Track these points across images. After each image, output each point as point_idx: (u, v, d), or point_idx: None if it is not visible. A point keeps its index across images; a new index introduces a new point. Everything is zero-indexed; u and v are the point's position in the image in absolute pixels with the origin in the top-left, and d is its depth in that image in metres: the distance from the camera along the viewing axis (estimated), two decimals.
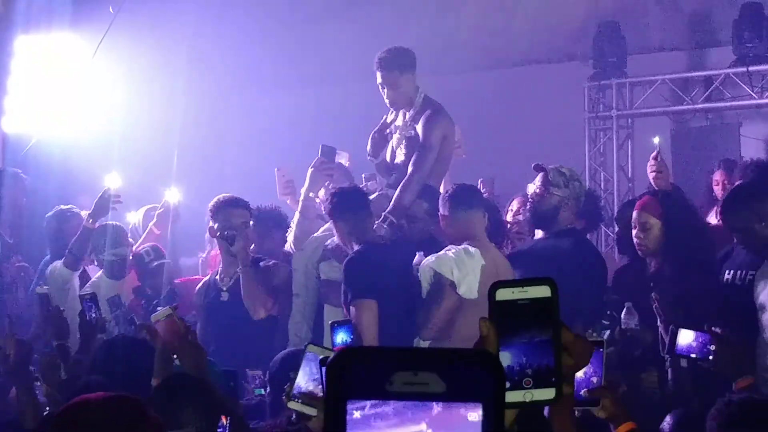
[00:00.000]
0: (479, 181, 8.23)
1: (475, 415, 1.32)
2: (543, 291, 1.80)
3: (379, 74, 7.75)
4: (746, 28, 12.22)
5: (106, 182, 8.45)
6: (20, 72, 10.87)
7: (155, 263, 8.38)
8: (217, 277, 7.50)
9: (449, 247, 6.68)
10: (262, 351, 6.75)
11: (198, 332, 6.48)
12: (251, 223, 7.44)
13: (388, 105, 7.84)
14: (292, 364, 4.38)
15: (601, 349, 3.78)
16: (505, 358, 1.78)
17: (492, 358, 1.36)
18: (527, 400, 1.79)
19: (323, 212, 7.29)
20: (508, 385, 1.76)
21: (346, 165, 8.61)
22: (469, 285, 6.53)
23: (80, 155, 10.78)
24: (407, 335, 6.58)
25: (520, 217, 7.79)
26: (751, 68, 12.19)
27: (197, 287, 7.74)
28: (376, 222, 7.28)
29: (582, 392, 3.71)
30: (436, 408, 1.31)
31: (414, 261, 6.68)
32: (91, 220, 8.33)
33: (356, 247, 6.83)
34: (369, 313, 6.53)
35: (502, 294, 1.80)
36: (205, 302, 7.51)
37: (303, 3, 12.98)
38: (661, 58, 13.22)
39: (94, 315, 6.69)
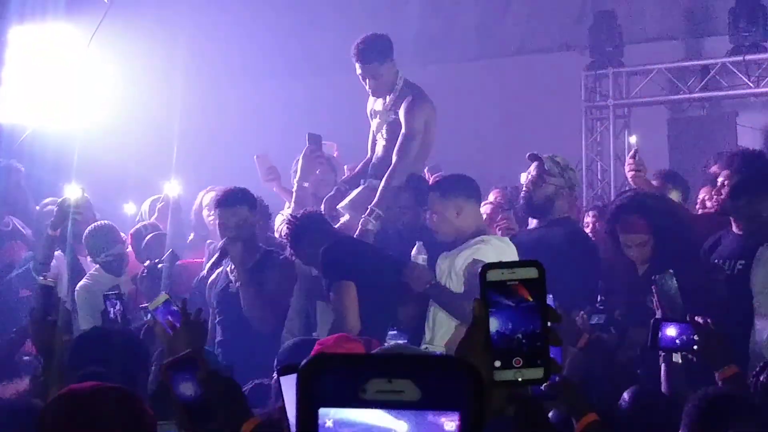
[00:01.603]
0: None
1: (451, 424, 1.32)
2: (531, 272, 1.86)
3: (358, 66, 7.64)
4: (742, 17, 12.23)
5: (66, 192, 8.40)
6: (15, 62, 10.83)
7: (152, 234, 8.39)
8: (228, 268, 7.32)
9: (480, 239, 6.41)
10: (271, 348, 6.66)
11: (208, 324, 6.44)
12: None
13: (371, 94, 7.79)
14: (302, 352, 4.36)
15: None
16: (494, 324, 1.85)
17: (469, 365, 1.36)
18: (518, 379, 1.84)
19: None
20: (498, 364, 1.83)
21: (335, 155, 8.59)
22: None
23: (75, 146, 10.77)
24: (385, 322, 6.46)
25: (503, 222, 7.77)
26: (747, 57, 12.20)
27: (210, 279, 7.59)
28: (363, 216, 7.26)
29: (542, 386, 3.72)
30: (412, 416, 1.31)
31: (413, 252, 6.46)
32: (51, 230, 8.29)
33: None
34: (347, 294, 6.46)
35: (493, 275, 1.86)
36: (215, 292, 7.35)
37: None
38: (658, 47, 13.21)
39: (119, 312, 6.64)
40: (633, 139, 7.19)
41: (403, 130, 7.53)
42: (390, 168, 7.45)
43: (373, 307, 6.48)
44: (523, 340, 1.84)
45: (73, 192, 8.39)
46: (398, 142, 7.51)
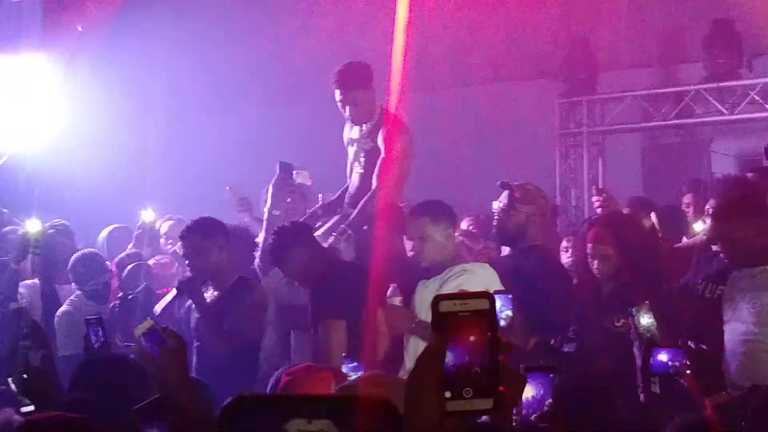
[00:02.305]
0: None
1: None
2: (482, 304, 1.87)
3: (338, 92, 7.68)
4: (716, 44, 12.27)
5: (27, 226, 8.38)
6: None
7: (130, 266, 8.40)
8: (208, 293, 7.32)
9: (463, 268, 6.40)
10: (241, 375, 6.65)
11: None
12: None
13: (350, 121, 7.80)
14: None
15: (551, 375, 3.81)
16: (449, 359, 1.86)
17: (387, 404, 1.38)
18: (467, 409, 1.85)
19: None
20: (449, 395, 1.84)
21: (308, 184, 8.59)
22: None
23: (50, 173, 10.77)
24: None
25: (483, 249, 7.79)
26: (721, 84, 12.24)
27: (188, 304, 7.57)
28: (333, 235, 7.25)
29: (532, 417, 3.74)
30: None
31: (388, 294, 6.39)
32: (14, 264, 8.27)
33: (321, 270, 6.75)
34: (337, 333, 6.44)
35: (445, 306, 1.87)
36: (193, 317, 7.32)
37: (269, 22, 12.96)
38: (632, 74, 13.27)
39: (101, 338, 6.62)
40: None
41: (382, 155, 7.54)
42: (369, 192, 7.45)
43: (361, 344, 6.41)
44: (474, 371, 1.85)
45: (33, 226, 8.42)
46: (377, 167, 7.52)
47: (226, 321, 7.00)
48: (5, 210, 9.83)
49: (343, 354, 5.84)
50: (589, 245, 6.60)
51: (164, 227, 9.14)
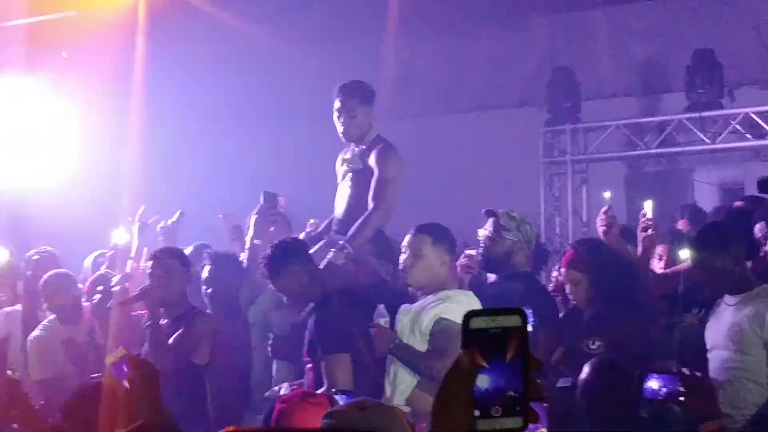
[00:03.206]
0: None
1: None
2: (514, 320, 1.83)
3: (337, 101, 7.63)
4: (699, 75, 12.31)
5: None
6: None
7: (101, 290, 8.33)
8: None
9: (444, 295, 6.30)
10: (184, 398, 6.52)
11: None
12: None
13: (341, 135, 7.72)
14: None
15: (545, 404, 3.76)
16: (482, 381, 1.82)
17: None
18: (496, 428, 1.81)
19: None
20: (478, 413, 1.81)
21: (283, 209, 8.53)
22: None
23: (32, 199, 10.73)
24: (378, 388, 6.40)
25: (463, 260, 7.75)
26: (703, 114, 12.27)
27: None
28: (332, 250, 7.18)
29: None
30: None
31: (375, 314, 6.33)
32: None
33: (317, 296, 6.68)
34: (342, 367, 6.36)
35: (475, 323, 1.84)
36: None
37: (255, 47, 12.94)
38: (615, 103, 13.31)
39: None
40: (607, 195, 7.14)
41: (376, 175, 7.49)
42: (366, 213, 7.40)
43: (364, 374, 6.39)
44: (503, 389, 1.82)
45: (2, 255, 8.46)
46: (372, 187, 7.47)
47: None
48: None
49: (333, 390, 5.79)
50: (562, 270, 6.63)
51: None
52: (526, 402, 1.81)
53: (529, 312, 4.63)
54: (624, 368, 5.17)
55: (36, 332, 8.23)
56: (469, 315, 1.83)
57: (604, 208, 6.89)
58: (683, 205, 9.59)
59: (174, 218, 8.88)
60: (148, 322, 7.04)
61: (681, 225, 8.84)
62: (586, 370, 5.14)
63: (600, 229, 6.87)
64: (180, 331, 6.95)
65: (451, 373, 1.84)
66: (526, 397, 1.81)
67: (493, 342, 1.81)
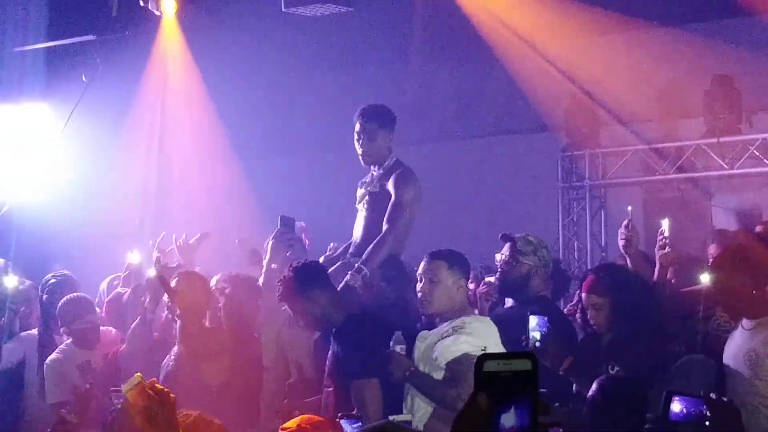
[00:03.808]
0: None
1: None
2: (525, 365, 1.89)
3: (358, 124, 7.66)
4: (717, 100, 12.30)
5: (5, 282, 8.47)
6: None
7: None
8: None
9: (461, 322, 6.29)
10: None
11: None
12: None
13: (360, 158, 7.73)
14: None
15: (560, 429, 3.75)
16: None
17: None
18: None
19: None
20: None
21: (303, 233, 8.51)
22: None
23: (52, 221, 10.73)
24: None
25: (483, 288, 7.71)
26: (721, 139, 12.25)
27: (163, 362, 7.53)
28: (350, 273, 7.15)
29: None
30: None
31: (392, 341, 6.29)
32: None
33: (339, 320, 6.64)
34: (371, 392, 6.34)
35: (489, 366, 1.89)
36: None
37: (276, 72, 12.96)
38: (633, 128, 13.28)
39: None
40: (630, 208, 7.06)
41: (393, 199, 7.50)
42: (380, 236, 7.39)
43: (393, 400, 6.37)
44: (514, 430, 1.86)
45: (10, 282, 8.51)
46: (388, 211, 7.47)
47: None
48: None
49: (339, 414, 5.75)
50: (583, 294, 6.57)
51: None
52: None
53: (545, 319, 4.60)
54: (629, 384, 5.15)
55: (53, 356, 8.25)
56: (483, 358, 1.89)
57: (625, 222, 6.85)
58: (714, 230, 9.52)
59: (195, 238, 8.87)
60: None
61: (712, 250, 8.79)
62: (593, 387, 5.15)
63: (620, 243, 6.82)
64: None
65: (467, 412, 1.88)
66: None
67: (504, 384, 1.87)
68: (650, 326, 6.37)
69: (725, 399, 4.85)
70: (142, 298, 8.12)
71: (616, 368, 6.10)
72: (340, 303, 6.77)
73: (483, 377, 1.87)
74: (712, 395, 4.80)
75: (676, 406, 4.84)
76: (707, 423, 4.79)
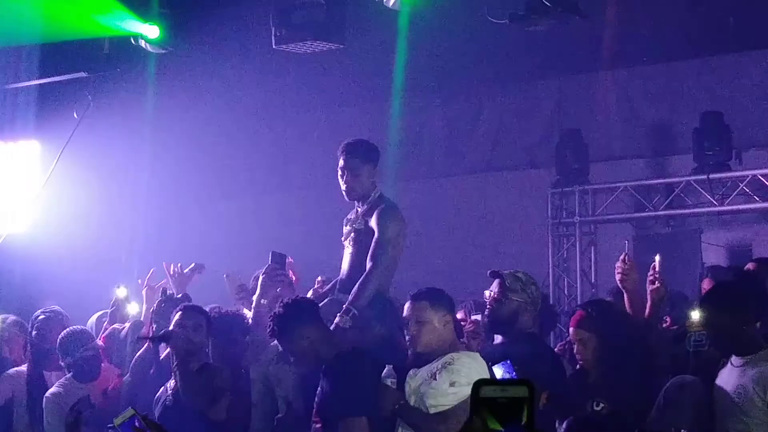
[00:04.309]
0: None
1: None
2: (521, 391, 1.94)
3: (341, 159, 7.64)
4: (706, 137, 12.32)
5: None
6: None
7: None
8: (169, 383, 7.37)
9: (450, 358, 6.30)
10: None
11: None
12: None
13: (344, 193, 7.72)
14: None
15: None
16: None
17: None
18: None
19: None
20: None
21: (290, 268, 8.51)
22: None
23: (40, 257, 10.74)
24: None
25: (469, 326, 7.71)
26: (711, 176, 12.26)
27: (156, 395, 7.55)
28: (338, 315, 7.15)
29: None
30: None
31: (383, 374, 6.40)
32: None
33: (329, 356, 6.62)
34: (362, 430, 6.31)
35: (485, 391, 1.94)
36: (158, 407, 7.30)
37: (261, 109, 13.00)
38: (623, 165, 13.34)
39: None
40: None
41: (375, 237, 7.46)
42: (364, 275, 7.35)
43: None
44: None
45: None
46: (371, 248, 7.43)
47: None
48: None
49: None
50: (571, 329, 6.66)
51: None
52: None
53: (508, 364, 4.67)
54: (595, 427, 5.15)
55: (53, 389, 8.29)
56: (479, 384, 1.93)
57: (621, 256, 6.87)
58: (710, 266, 9.55)
59: (189, 268, 8.88)
60: (175, 367, 7.24)
61: (706, 284, 8.81)
62: (563, 427, 5.23)
63: (617, 276, 6.83)
64: (197, 385, 7.10)
65: None
66: None
67: (500, 410, 1.90)
68: (637, 362, 6.40)
69: None
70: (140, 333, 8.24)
71: (601, 404, 6.11)
72: (330, 339, 6.77)
73: (479, 402, 1.90)
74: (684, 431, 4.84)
75: None
76: None
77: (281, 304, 6.83)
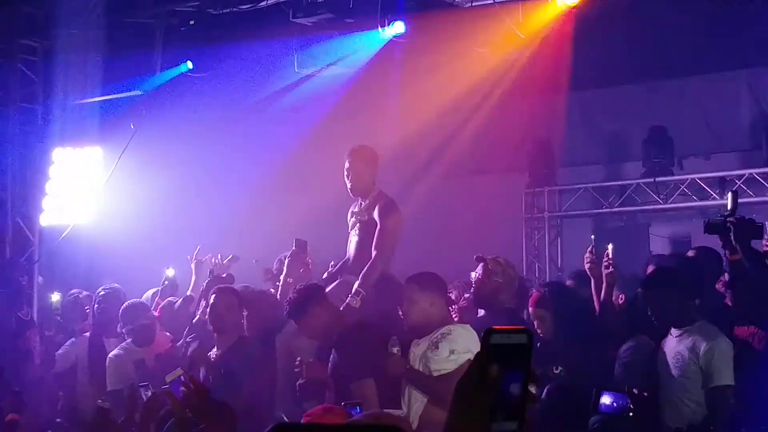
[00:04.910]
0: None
1: None
2: (522, 338, 1.82)
3: (347, 161, 7.65)
4: (653, 146, 12.40)
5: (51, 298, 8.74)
6: (56, 177, 10.89)
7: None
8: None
9: (448, 330, 6.24)
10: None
11: None
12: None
13: (349, 190, 7.72)
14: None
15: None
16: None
17: (393, 428, 1.34)
18: (498, 430, 1.79)
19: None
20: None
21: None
22: None
23: (102, 246, 10.80)
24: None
25: (463, 303, 7.76)
26: (657, 179, 12.34)
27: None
28: (350, 296, 7.19)
29: None
30: None
31: (390, 343, 6.31)
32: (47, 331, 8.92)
33: (338, 331, 6.62)
34: (369, 390, 6.28)
35: (495, 338, 1.82)
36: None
37: (284, 124, 13.03)
38: (584, 170, 13.39)
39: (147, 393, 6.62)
40: (593, 237, 7.13)
41: (378, 227, 7.47)
42: (370, 261, 7.37)
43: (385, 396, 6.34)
44: (508, 396, 1.80)
45: (54, 297, 8.97)
46: (375, 238, 7.44)
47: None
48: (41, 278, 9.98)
49: (343, 403, 5.76)
50: (530, 309, 6.62)
51: None
52: (523, 407, 1.80)
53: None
54: (573, 392, 5.18)
55: (115, 351, 8.33)
56: (489, 332, 1.82)
57: (589, 248, 6.87)
58: (655, 255, 9.56)
59: (228, 259, 8.97)
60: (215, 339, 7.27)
61: (650, 270, 8.82)
62: (544, 393, 5.20)
63: (586, 265, 6.85)
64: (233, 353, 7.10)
65: (474, 381, 1.81)
66: (524, 403, 1.80)
67: (505, 355, 1.80)
68: (587, 333, 6.42)
69: (645, 394, 4.89)
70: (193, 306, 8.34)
71: (560, 368, 6.16)
72: (338, 316, 6.79)
73: (490, 348, 1.80)
74: (635, 390, 4.86)
75: (606, 400, 4.90)
76: (630, 414, 4.86)
77: (294, 290, 6.88)
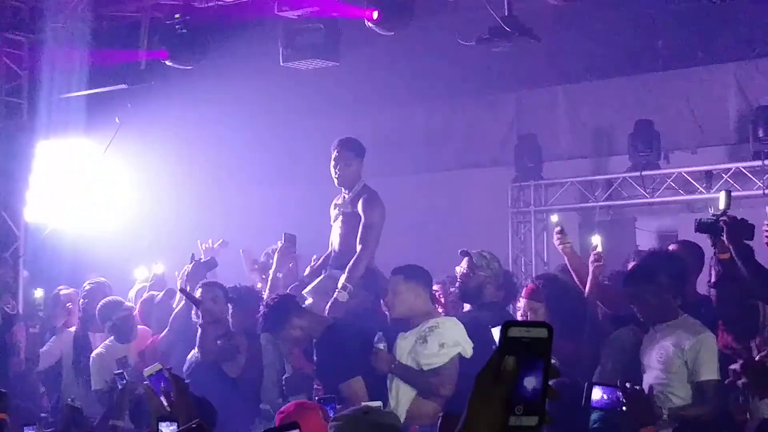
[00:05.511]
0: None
1: None
2: (542, 332, 1.78)
3: (335, 152, 7.65)
4: (639, 140, 12.36)
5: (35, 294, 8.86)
6: (41, 170, 10.80)
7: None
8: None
9: (435, 323, 6.29)
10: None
11: None
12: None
13: (336, 180, 7.72)
14: None
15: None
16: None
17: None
18: (517, 425, 1.74)
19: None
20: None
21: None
22: (469, 347, 6.28)
23: (88, 240, 10.75)
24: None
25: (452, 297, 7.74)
26: (644, 173, 12.33)
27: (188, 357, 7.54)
28: (337, 291, 7.15)
29: None
30: None
31: (375, 340, 6.33)
32: (32, 328, 8.90)
33: (318, 333, 6.59)
34: (357, 389, 6.27)
35: (513, 332, 1.76)
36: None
37: (268, 117, 13.00)
38: (570, 164, 13.36)
39: (124, 381, 6.63)
40: (554, 218, 7.11)
41: (363, 221, 7.47)
42: (355, 256, 7.36)
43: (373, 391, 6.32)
44: (527, 391, 1.75)
45: (37, 293, 9.03)
46: (360, 232, 7.44)
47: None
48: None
49: (317, 398, 5.71)
50: (524, 300, 6.58)
51: None
52: (543, 403, 1.77)
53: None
54: (570, 387, 5.13)
55: (97, 350, 8.41)
56: (508, 325, 1.77)
57: (557, 229, 6.83)
58: (635, 250, 9.54)
59: (218, 243, 8.98)
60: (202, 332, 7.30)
61: (631, 266, 8.79)
62: None
63: (559, 248, 6.83)
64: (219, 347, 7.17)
65: (491, 374, 1.76)
66: (544, 398, 1.77)
67: (524, 349, 1.75)
68: (580, 325, 6.42)
69: (638, 387, 4.86)
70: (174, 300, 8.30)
71: (553, 360, 6.12)
72: (315, 320, 6.72)
73: (508, 341, 1.75)
74: (627, 384, 4.83)
75: (597, 394, 4.84)
76: (623, 408, 4.82)
77: (266, 305, 6.78)
